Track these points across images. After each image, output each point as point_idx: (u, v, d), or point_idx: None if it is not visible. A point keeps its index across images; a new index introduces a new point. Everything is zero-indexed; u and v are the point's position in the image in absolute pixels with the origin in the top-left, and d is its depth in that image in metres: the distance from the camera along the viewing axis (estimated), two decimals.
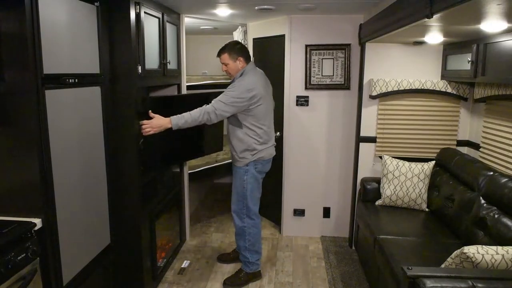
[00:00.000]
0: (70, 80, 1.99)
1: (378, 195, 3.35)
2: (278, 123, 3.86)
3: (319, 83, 3.68)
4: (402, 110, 3.47)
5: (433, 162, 3.26)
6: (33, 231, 1.78)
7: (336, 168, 3.82)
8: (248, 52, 2.98)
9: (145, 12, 2.56)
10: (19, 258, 1.66)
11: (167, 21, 2.98)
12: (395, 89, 3.38)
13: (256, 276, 3.12)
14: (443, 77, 3.36)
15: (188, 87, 3.68)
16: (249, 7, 3.19)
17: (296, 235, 3.97)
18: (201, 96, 3.30)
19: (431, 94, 3.38)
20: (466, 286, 1.63)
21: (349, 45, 3.59)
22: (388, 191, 3.24)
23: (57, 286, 1.94)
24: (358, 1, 2.99)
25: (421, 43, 3.23)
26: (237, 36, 4.16)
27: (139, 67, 2.50)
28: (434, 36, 2.78)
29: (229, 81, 3.01)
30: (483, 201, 2.51)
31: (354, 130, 3.64)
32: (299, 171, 3.86)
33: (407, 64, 3.42)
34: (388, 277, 2.42)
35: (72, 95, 2.05)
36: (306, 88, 3.70)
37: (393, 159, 3.32)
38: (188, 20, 3.58)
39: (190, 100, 3.26)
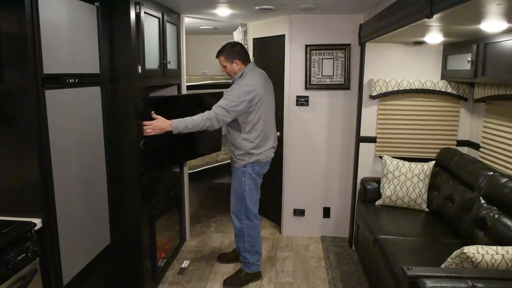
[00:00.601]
0: (70, 80, 1.99)
1: (378, 195, 3.35)
2: (278, 123, 3.85)
3: (319, 83, 3.68)
4: (402, 110, 3.47)
5: (433, 162, 3.26)
6: (33, 231, 1.78)
7: (336, 168, 3.82)
8: (246, 53, 2.97)
9: (145, 12, 2.56)
10: (19, 258, 1.66)
11: (167, 21, 2.98)
12: (395, 89, 3.38)
13: (256, 276, 3.12)
14: (443, 77, 3.36)
15: (188, 87, 3.68)
16: (249, 7, 3.19)
17: (296, 235, 3.97)
18: (199, 97, 3.30)
19: (431, 94, 3.38)
20: (466, 286, 1.62)
21: (349, 45, 3.58)
22: (388, 191, 3.24)
23: (57, 286, 1.94)
24: (358, 1, 2.99)
25: (421, 43, 3.23)
26: (237, 36, 4.16)
27: (139, 67, 2.50)
28: (434, 36, 2.78)
29: (230, 80, 3.02)
30: (483, 201, 2.51)
31: (354, 130, 3.64)
32: (299, 171, 3.86)
33: (407, 64, 3.42)
34: (388, 277, 2.42)
35: (72, 95, 2.05)
36: (306, 88, 3.70)
37: (393, 159, 3.32)
38: (188, 20, 3.58)
39: (188, 101, 3.26)
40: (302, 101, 3.73)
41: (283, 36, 3.67)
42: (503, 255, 1.78)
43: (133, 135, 2.54)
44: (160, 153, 2.93)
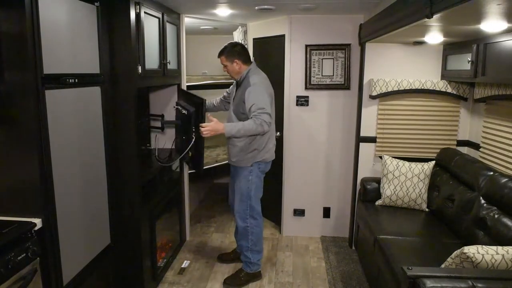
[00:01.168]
0: (70, 80, 1.99)
1: (378, 195, 3.35)
2: (278, 123, 3.85)
3: (319, 83, 3.68)
4: (402, 110, 3.47)
5: (433, 162, 3.25)
6: (33, 231, 1.78)
7: (336, 168, 3.82)
8: (247, 53, 2.99)
9: (145, 12, 2.57)
10: (19, 258, 1.66)
11: (167, 21, 2.98)
12: (395, 89, 3.38)
13: (257, 276, 3.12)
14: (443, 77, 3.36)
15: (188, 87, 3.68)
16: (249, 7, 3.19)
17: (296, 235, 3.97)
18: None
19: (431, 94, 3.38)
20: (466, 286, 1.62)
21: (349, 45, 3.58)
22: (388, 191, 3.24)
23: (57, 286, 1.94)
24: (358, 1, 2.99)
25: (421, 43, 3.23)
26: (237, 36, 4.16)
27: (139, 67, 2.51)
28: (434, 36, 2.78)
29: (230, 80, 3.04)
30: (483, 201, 2.51)
31: (354, 130, 3.63)
32: (299, 171, 3.86)
33: (407, 64, 3.42)
34: (388, 277, 2.42)
35: (72, 95, 2.05)
36: (306, 88, 3.70)
37: (393, 159, 3.32)
38: (188, 20, 3.58)
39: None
40: (302, 101, 3.73)
41: (283, 36, 3.67)
42: (503, 255, 1.78)
43: (133, 135, 2.54)
44: (202, 156, 2.95)
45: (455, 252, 1.87)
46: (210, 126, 2.71)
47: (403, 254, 2.47)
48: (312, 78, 3.68)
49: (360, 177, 3.59)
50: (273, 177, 4.05)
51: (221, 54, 2.94)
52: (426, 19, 1.84)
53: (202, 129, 2.69)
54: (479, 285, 1.62)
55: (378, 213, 3.20)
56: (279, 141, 3.85)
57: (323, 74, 3.67)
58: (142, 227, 2.68)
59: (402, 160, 3.28)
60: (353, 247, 3.67)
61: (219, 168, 4.28)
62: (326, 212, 3.92)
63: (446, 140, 3.45)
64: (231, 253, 3.44)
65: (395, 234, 2.76)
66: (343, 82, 3.66)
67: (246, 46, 4.10)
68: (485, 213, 2.42)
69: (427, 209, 3.17)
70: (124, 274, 2.66)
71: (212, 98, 3.38)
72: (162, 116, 3.26)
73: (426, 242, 2.68)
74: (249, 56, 3.01)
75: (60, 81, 1.92)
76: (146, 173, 2.74)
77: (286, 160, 3.85)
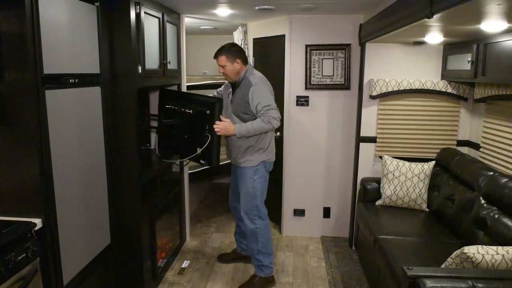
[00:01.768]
0: (70, 80, 1.99)
1: (378, 195, 3.35)
2: None
3: (319, 83, 3.68)
4: (402, 110, 3.47)
5: (433, 162, 3.25)
6: (33, 231, 1.78)
7: (336, 168, 3.82)
8: (245, 54, 2.98)
9: (145, 12, 2.56)
10: (19, 258, 1.66)
11: (167, 21, 2.98)
12: (395, 89, 3.38)
13: (270, 281, 3.04)
14: (443, 77, 3.36)
15: (188, 87, 3.69)
16: (249, 7, 3.19)
17: (296, 235, 3.97)
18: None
19: (431, 94, 3.38)
20: (466, 286, 1.63)
21: (349, 45, 3.59)
22: (388, 191, 3.24)
23: (57, 286, 1.94)
24: (358, 1, 2.99)
25: (421, 43, 3.23)
26: (237, 36, 4.16)
27: (139, 67, 2.50)
28: (434, 36, 2.78)
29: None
30: (483, 201, 2.51)
31: (354, 130, 3.63)
32: (299, 171, 3.86)
33: (407, 64, 3.42)
34: (388, 277, 2.42)
35: (72, 95, 2.05)
36: (306, 88, 3.70)
37: (393, 159, 3.32)
38: (188, 20, 3.58)
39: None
40: (302, 101, 3.73)
41: (283, 36, 3.67)
42: (503, 255, 1.78)
43: (133, 135, 2.54)
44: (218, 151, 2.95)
45: (455, 252, 1.87)
46: (223, 124, 2.71)
47: (403, 254, 2.47)
48: (312, 78, 3.68)
49: (360, 177, 3.59)
50: (273, 177, 4.04)
51: (220, 53, 2.86)
52: (426, 19, 1.84)
53: (215, 126, 2.68)
54: (479, 285, 1.62)
55: (378, 213, 3.20)
56: (279, 141, 3.85)
57: (323, 74, 3.67)
58: (142, 227, 2.68)
59: (402, 160, 3.28)
60: (353, 247, 3.67)
61: (219, 168, 4.28)
62: (326, 212, 3.92)
63: (446, 140, 3.45)
64: (231, 253, 3.43)
65: (395, 234, 2.76)
66: (343, 82, 3.66)
67: (246, 46, 4.10)
68: (485, 213, 2.42)
69: (427, 209, 3.17)
70: (124, 274, 2.66)
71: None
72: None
73: (426, 242, 2.68)
74: (246, 57, 2.97)
75: (60, 81, 1.92)
76: (146, 173, 2.74)
77: (286, 160, 3.85)
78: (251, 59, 4.13)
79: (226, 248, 3.65)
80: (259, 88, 2.78)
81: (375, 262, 2.76)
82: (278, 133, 3.85)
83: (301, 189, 3.88)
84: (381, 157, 3.47)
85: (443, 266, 1.93)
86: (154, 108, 3.37)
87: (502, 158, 2.81)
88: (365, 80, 3.46)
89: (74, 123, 2.07)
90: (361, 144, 3.57)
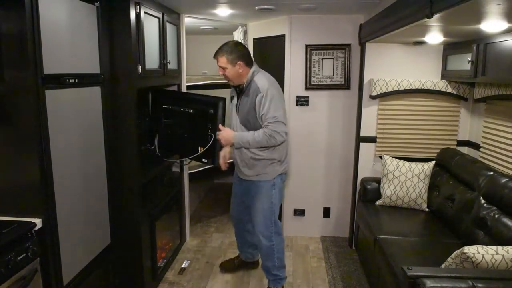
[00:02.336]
0: (70, 80, 1.99)
1: (378, 195, 3.35)
2: None
3: (319, 83, 3.68)
4: (402, 110, 3.47)
5: (433, 162, 3.25)
6: (33, 231, 1.78)
7: (336, 168, 3.82)
8: (249, 54, 2.73)
9: (145, 12, 2.56)
10: (19, 258, 1.66)
11: (167, 21, 2.98)
12: (395, 89, 3.38)
13: None
14: (443, 77, 3.36)
15: (188, 87, 3.68)
16: (249, 7, 3.19)
17: (296, 235, 3.97)
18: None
19: (431, 94, 3.38)
20: (466, 286, 1.62)
21: (349, 45, 3.58)
22: (388, 191, 3.24)
23: (57, 286, 1.94)
24: (358, 1, 2.99)
25: (421, 43, 3.23)
26: (237, 36, 4.16)
27: (139, 67, 2.50)
28: (434, 36, 2.78)
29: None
30: (483, 201, 2.51)
31: (354, 130, 3.63)
32: (299, 171, 3.85)
33: (407, 64, 3.42)
34: (388, 277, 2.42)
35: (72, 95, 2.05)
36: (306, 88, 3.70)
37: (393, 159, 3.32)
38: (188, 20, 3.58)
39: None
40: (302, 101, 3.73)
41: (283, 36, 3.67)
42: (503, 255, 1.78)
43: (134, 135, 2.54)
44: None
45: (455, 252, 1.87)
46: (225, 132, 2.56)
47: (403, 254, 2.46)
48: (312, 78, 3.68)
49: (360, 177, 3.59)
50: None
51: (220, 53, 2.58)
52: (426, 19, 1.84)
53: (218, 132, 2.56)
54: (479, 285, 1.62)
55: (378, 213, 3.20)
56: None
57: (323, 74, 3.67)
58: (142, 227, 2.68)
59: (402, 160, 3.28)
60: (353, 247, 3.67)
61: (219, 168, 4.28)
62: (326, 212, 3.92)
63: (446, 140, 3.44)
64: (234, 260, 3.25)
65: (395, 234, 2.76)
66: (343, 82, 3.66)
67: (246, 46, 4.10)
68: (485, 213, 2.42)
69: (427, 209, 3.17)
70: (124, 274, 2.66)
71: None
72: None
73: (426, 242, 2.68)
74: (251, 57, 2.73)
75: (60, 81, 1.92)
76: (146, 173, 2.74)
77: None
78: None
79: (227, 248, 3.65)
80: (268, 96, 2.53)
81: (375, 262, 2.76)
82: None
83: (301, 189, 3.88)
84: (381, 157, 3.47)
85: (443, 266, 1.93)
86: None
87: (502, 158, 2.81)
88: (365, 80, 3.45)
89: (74, 123, 2.07)
90: (361, 144, 3.57)
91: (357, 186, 3.61)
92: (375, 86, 3.41)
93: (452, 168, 3.03)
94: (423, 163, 3.23)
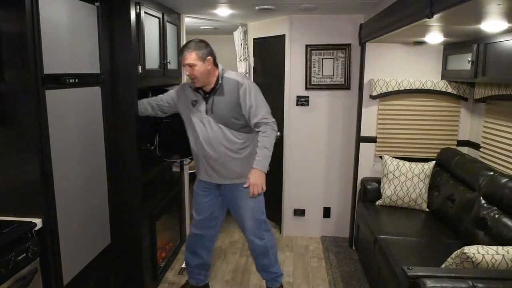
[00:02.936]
0: (71, 80, 1.99)
1: (379, 195, 3.35)
2: (278, 123, 3.84)
3: (320, 83, 3.68)
4: (403, 110, 3.47)
5: (434, 162, 3.25)
6: (33, 231, 1.78)
7: (336, 168, 3.82)
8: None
9: (145, 12, 2.56)
10: (19, 258, 1.66)
11: (167, 21, 2.98)
12: (396, 89, 3.38)
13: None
14: (443, 77, 3.36)
15: None
16: (249, 7, 3.19)
17: (296, 235, 3.97)
18: None
19: (432, 94, 3.38)
20: (467, 286, 1.62)
21: (349, 45, 3.58)
22: (388, 191, 3.24)
23: (57, 286, 1.94)
24: (358, 1, 2.99)
25: (422, 43, 3.23)
26: (237, 36, 4.16)
27: (139, 67, 2.50)
28: (434, 36, 2.78)
29: None
30: (483, 201, 2.50)
31: (354, 130, 3.63)
32: (299, 171, 3.86)
33: (407, 64, 3.42)
34: (388, 277, 2.42)
35: (73, 95, 2.05)
36: (306, 88, 3.70)
37: (394, 159, 3.32)
38: (188, 20, 3.58)
39: None
40: (302, 101, 3.73)
41: (283, 36, 3.67)
42: (503, 255, 1.78)
43: (133, 135, 2.54)
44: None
45: (455, 252, 1.87)
46: (253, 178, 2.37)
47: (403, 254, 2.47)
48: (312, 78, 3.68)
49: (360, 177, 3.59)
50: (273, 177, 4.05)
51: (189, 49, 2.35)
52: (426, 19, 1.84)
53: (247, 186, 2.40)
54: (480, 285, 1.62)
55: (378, 213, 3.20)
56: (279, 141, 3.85)
57: (323, 74, 3.67)
58: (142, 227, 2.67)
59: (402, 160, 3.28)
60: (353, 247, 3.67)
61: None
62: (326, 212, 3.92)
63: (447, 140, 3.44)
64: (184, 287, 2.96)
65: (395, 234, 2.76)
66: (343, 82, 3.66)
67: (246, 46, 4.10)
68: (485, 213, 2.42)
69: (427, 209, 3.17)
70: (124, 274, 2.66)
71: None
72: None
73: (426, 242, 2.68)
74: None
75: (60, 81, 1.92)
76: (146, 173, 2.74)
77: (286, 160, 3.85)
78: (251, 59, 4.13)
79: (227, 248, 3.65)
80: (252, 88, 2.43)
81: (375, 262, 2.76)
82: (278, 133, 3.84)
83: (301, 189, 3.88)
84: (381, 157, 3.47)
85: (443, 266, 1.93)
86: None
87: (502, 158, 2.81)
88: (365, 80, 3.46)
89: (74, 123, 2.07)
90: (361, 144, 3.57)
91: (357, 186, 3.61)
92: (375, 86, 3.41)
93: (452, 168, 3.03)
94: (423, 163, 3.23)
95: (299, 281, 3.15)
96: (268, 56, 3.97)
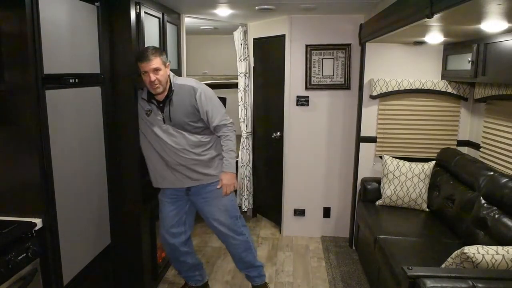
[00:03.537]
0: (71, 80, 1.99)
1: (379, 195, 3.35)
2: (279, 123, 3.86)
3: (320, 83, 3.68)
4: (403, 110, 3.47)
5: (434, 162, 3.25)
6: (33, 231, 1.78)
7: (337, 168, 3.82)
8: None
9: (145, 12, 2.56)
10: (19, 258, 1.66)
11: (167, 21, 2.98)
12: (396, 89, 3.38)
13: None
14: (443, 77, 3.36)
15: None
16: (249, 7, 3.19)
17: (296, 235, 3.97)
18: None
19: (432, 94, 3.38)
20: (467, 286, 1.62)
21: (349, 45, 3.58)
22: (388, 191, 3.24)
23: (57, 286, 1.94)
24: (358, 1, 2.99)
25: (422, 43, 3.23)
26: (237, 36, 4.16)
27: None
28: (435, 36, 2.78)
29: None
30: (483, 201, 2.50)
31: (355, 130, 3.63)
32: (299, 171, 3.86)
33: (407, 64, 3.42)
34: (388, 277, 2.42)
35: (73, 95, 2.05)
36: (306, 88, 3.70)
37: (394, 159, 3.32)
38: (188, 20, 3.58)
39: None
40: (302, 101, 3.73)
41: (283, 36, 3.68)
42: (503, 255, 1.78)
43: (133, 135, 2.54)
44: None
45: (456, 252, 1.87)
46: (225, 179, 2.53)
47: (403, 254, 2.47)
48: (312, 78, 3.68)
49: (360, 177, 3.59)
50: (273, 177, 4.05)
51: (154, 54, 2.31)
52: (426, 19, 1.84)
53: (221, 186, 2.54)
54: (480, 285, 1.62)
55: (378, 213, 3.20)
56: (279, 141, 3.85)
57: (323, 74, 3.67)
58: (142, 227, 2.67)
59: (402, 160, 3.28)
60: (353, 247, 3.67)
61: None
62: (327, 212, 3.92)
63: (447, 140, 3.44)
64: None
65: (395, 234, 2.76)
66: (343, 82, 3.66)
67: (246, 46, 4.10)
68: (486, 213, 2.42)
69: (427, 209, 3.17)
70: (124, 274, 2.66)
71: None
72: None
73: (426, 242, 2.68)
74: None
75: (60, 81, 1.92)
76: (146, 173, 2.73)
77: (286, 160, 3.85)
78: (251, 59, 4.13)
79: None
80: (207, 92, 2.49)
81: (375, 262, 2.76)
82: (278, 133, 3.86)
83: (301, 189, 3.88)
84: (381, 157, 3.47)
85: (443, 266, 1.93)
86: None
87: (502, 158, 2.81)
88: (365, 80, 3.46)
89: (74, 123, 2.07)
90: (361, 144, 3.57)
91: (357, 186, 3.61)
92: (375, 86, 3.41)
93: (452, 168, 3.03)
94: (423, 163, 3.23)
95: (299, 281, 3.15)
96: (268, 56, 3.97)
